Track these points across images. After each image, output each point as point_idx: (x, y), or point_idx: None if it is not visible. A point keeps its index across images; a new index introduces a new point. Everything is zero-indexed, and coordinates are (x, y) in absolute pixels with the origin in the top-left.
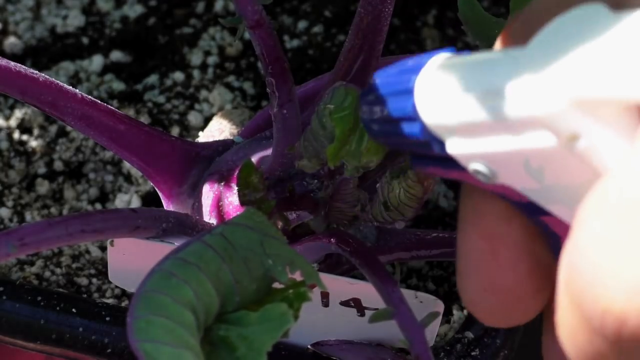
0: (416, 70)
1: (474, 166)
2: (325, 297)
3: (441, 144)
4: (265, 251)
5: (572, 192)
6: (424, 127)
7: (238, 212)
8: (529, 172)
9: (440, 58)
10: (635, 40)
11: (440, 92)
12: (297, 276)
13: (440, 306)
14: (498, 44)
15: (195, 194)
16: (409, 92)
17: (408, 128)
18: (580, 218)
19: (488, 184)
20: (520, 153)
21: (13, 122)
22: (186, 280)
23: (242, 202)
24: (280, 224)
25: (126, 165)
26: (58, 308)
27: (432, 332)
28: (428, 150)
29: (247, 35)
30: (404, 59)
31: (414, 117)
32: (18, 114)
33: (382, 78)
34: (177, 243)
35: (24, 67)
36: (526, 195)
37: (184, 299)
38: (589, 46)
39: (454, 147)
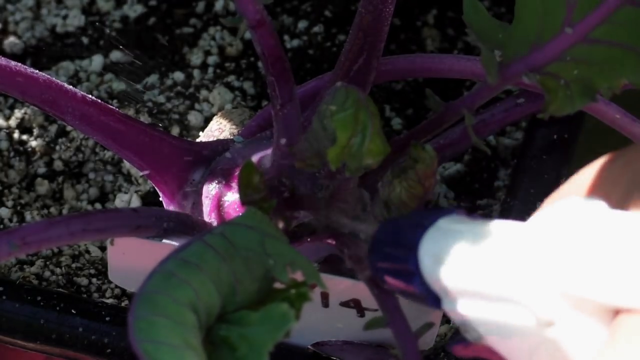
0: (424, 227)
1: (464, 326)
2: (325, 298)
3: (437, 300)
4: (266, 251)
5: None
6: (422, 282)
7: (238, 212)
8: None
9: (448, 220)
10: (625, 247)
11: (443, 255)
12: (298, 276)
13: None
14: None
15: (196, 193)
16: (414, 246)
17: (408, 279)
18: None
19: (475, 344)
20: (506, 326)
21: (13, 122)
22: (187, 281)
23: (243, 202)
24: (281, 224)
25: (126, 165)
26: (58, 308)
27: (432, 333)
28: (423, 302)
29: (247, 35)
30: (418, 211)
31: (414, 272)
32: (18, 113)
33: (393, 225)
34: (178, 243)
35: (24, 66)
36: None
37: (185, 299)
38: (584, 240)
39: (449, 305)
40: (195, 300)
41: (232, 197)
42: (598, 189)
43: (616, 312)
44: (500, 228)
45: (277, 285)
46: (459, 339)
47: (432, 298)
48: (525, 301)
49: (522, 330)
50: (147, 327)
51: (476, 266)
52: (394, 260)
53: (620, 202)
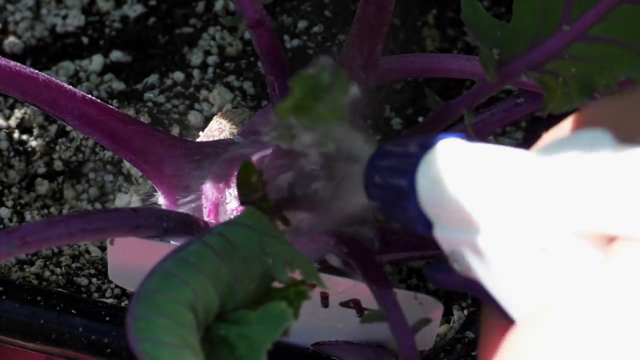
0: (424, 148)
1: (453, 255)
2: (325, 298)
3: (428, 225)
4: (264, 250)
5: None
6: (416, 204)
7: (238, 212)
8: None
9: (449, 143)
10: (627, 178)
11: (440, 178)
12: (297, 275)
13: (439, 307)
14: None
15: (195, 193)
16: (412, 168)
17: (402, 201)
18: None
19: (462, 275)
20: (498, 253)
21: (13, 122)
22: (186, 281)
23: (242, 202)
24: (280, 223)
25: (126, 165)
26: (58, 308)
27: (432, 332)
28: (415, 227)
29: (247, 35)
30: (413, 135)
31: (410, 193)
32: (18, 113)
33: (390, 148)
34: (177, 243)
35: (24, 66)
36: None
37: (184, 299)
38: (584, 170)
39: (441, 230)
40: (193, 300)
41: (231, 197)
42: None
43: (611, 240)
44: (500, 153)
45: (276, 284)
46: (442, 267)
47: (423, 222)
48: (520, 227)
49: (515, 258)
50: (146, 326)
51: (473, 191)
52: (389, 181)
53: (627, 138)
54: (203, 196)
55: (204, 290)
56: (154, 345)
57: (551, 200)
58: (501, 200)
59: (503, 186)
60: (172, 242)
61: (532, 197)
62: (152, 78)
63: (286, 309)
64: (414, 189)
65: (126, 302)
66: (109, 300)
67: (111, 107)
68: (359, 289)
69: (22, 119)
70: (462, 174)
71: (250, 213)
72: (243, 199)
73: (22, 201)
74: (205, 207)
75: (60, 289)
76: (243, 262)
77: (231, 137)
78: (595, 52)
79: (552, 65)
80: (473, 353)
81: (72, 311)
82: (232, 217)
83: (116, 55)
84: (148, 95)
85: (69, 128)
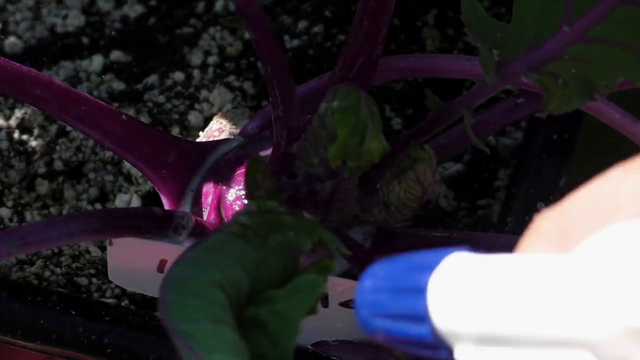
0: (429, 268)
1: None
2: (325, 298)
3: (450, 349)
4: (285, 226)
5: None
6: (433, 330)
7: (238, 212)
8: None
9: (457, 258)
10: None
11: (459, 296)
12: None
13: None
14: (527, 244)
15: (195, 193)
16: (420, 290)
17: (415, 328)
18: None
19: None
20: None
21: (13, 122)
22: (213, 264)
23: (252, 198)
24: None
25: (126, 165)
26: (58, 308)
27: None
28: (432, 354)
29: (247, 35)
30: (409, 254)
31: (423, 318)
32: (18, 113)
33: (385, 270)
34: (177, 243)
35: (24, 66)
36: None
37: (214, 280)
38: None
39: (466, 354)
40: (223, 281)
41: (232, 197)
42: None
43: None
44: (524, 262)
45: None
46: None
47: (444, 348)
48: (586, 343)
49: None
50: (180, 308)
51: (507, 306)
52: (396, 309)
53: None
54: (203, 196)
55: (232, 271)
56: (191, 325)
57: (617, 304)
58: (549, 313)
59: (548, 296)
60: (172, 242)
61: (590, 305)
62: (152, 78)
63: (316, 278)
64: (428, 314)
65: (126, 302)
66: (109, 300)
67: (111, 107)
68: None
69: (23, 119)
70: (486, 289)
71: (262, 203)
72: (252, 194)
73: (22, 201)
74: (206, 208)
75: (60, 289)
76: (265, 241)
77: (231, 137)
78: (596, 53)
79: (552, 66)
80: None
81: (72, 311)
82: (231, 217)
83: (116, 55)
84: (148, 95)
85: (69, 128)
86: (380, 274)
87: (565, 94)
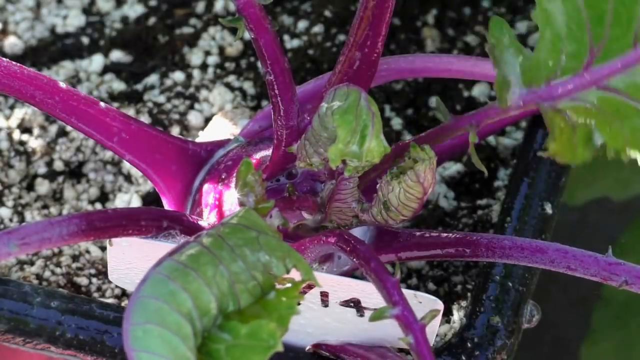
0: None
1: None
2: (325, 297)
3: None
4: (262, 247)
5: None
6: None
7: (219, 222)
8: None
9: None
10: None
11: None
12: (294, 275)
13: (439, 306)
14: None
15: (195, 193)
16: None
17: None
18: None
19: None
20: None
21: (13, 122)
22: (184, 288)
23: (241, 202)
24: (277, 223)
25: (126, 165)
26: (58, 308)
27: (432, 332)
28: None
29: (247, 36)
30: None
31: None
32: (18, 114)
33: None
34: (177, 243)
35: (24, 67)
36: None
37: (182, 308)
38: None
39: None
40: (191, 309)
41: (231, 197)
42: None
43: None
44: None
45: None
46: None
47: None
48: None
49: None
50: (143, 335)
51: None
52: None
53: None
54: (203, 196)
55: (202, 296)
56: (149, 356)
57: None
58: None
59: None
60: (172, 242)
61: None
62: (152, 78)
63: (275, 332)
64: None
65: (126, 302)
66: (109, 301)
67: (111, 107)
68: (359, 288)
69: (23, 119)
70: None
71: (247, 213)
72: (242, 199)
73: (23, 201)
74: (206, 208)
75: (60, 289)
76: (241, 261)
77: (231, 137)
78: (609, 104)
79: (564, 106)
80: (474, 353)
81: (72, 311)
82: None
83: (116, 55)
84: (148, 95)
85: (69, 128)
86: None
87: (570, 140)
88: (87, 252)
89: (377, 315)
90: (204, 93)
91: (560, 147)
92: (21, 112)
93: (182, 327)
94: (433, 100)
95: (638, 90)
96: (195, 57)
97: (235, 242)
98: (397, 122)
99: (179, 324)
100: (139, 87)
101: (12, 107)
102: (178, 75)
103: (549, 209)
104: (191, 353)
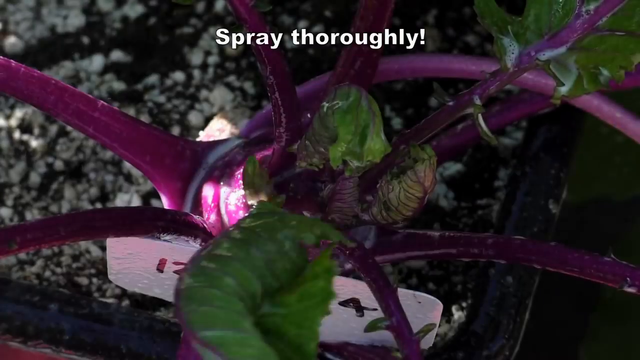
0: None
1: None
2: None
3: None
4: (286, 224)
5: None
6: None
7: (239, 212)
8: None
9: None
10: None
11: None
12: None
13: (439, 306)
14: None
15: (196, 193)
16: None
17: None
18: None
19: None
20: None
21: (13, 122)
22: (224, 272)
23: (248, 200)
24: None
25: (126, 165)
26: (58, 308)
27: (432, 332)
28: None
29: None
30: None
31: None
32: (18, 113)
33: None
34: (177, 243)
35: (24, 66)
36: None
37: (229, 289)
38: None
39: None
40: (238, 289)
41: (232, 197)
42: None
43: None
44: None
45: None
46: None
47: None
48: None
49: None
50: (203, 317)
51: None
52: None
53: None
54: (203, 196)
55: (244, 277)
56: (217, 333)
57: None
58: None
59: None
60: (172, 242)
61: None
62: (152, 78)
63: (325, 285)
64: None
65: (126, 302)
66: (110, 301)
67: (111, 107)
68: (359, 288)
69: (23, 119)
70: None
71: (262, 204)
72: (249, 197)
73: (23, 201)
74: (206, 208)
75: (60, 289)
76: (270, 242)
77: (231, 137)
78: (606, 44)
79: (564, 57)
80: (474, 353)
81: (72, 311)
82: (231, 217)
83: (116, 55)
84: (148, 95)
85: (69, 128)
86: None
87: (578, 82)
88: (88, 252)
89: (372, 326)
90: (204, 93)
91: (571, 90)
92: (21, 112)
93: (235, 305)
94: (433, 101)
95: (629, 25)
96: (195, 57)
97: (262, 227)
98: (397, 122)
99: (231, 302)
100: (139, 87)
101: (12, 107)
102: (178, 75)
103: (549, 209)
104: (248, 323)
